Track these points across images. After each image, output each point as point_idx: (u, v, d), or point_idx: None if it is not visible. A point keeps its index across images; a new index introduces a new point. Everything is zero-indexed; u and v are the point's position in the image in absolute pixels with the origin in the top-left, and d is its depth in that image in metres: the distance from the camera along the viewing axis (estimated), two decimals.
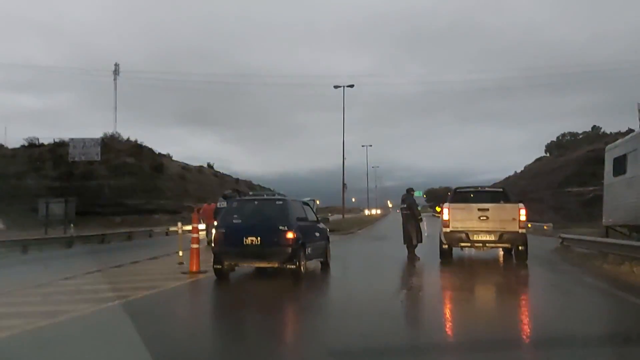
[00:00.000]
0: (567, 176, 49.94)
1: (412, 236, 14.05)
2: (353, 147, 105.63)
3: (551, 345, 5.33)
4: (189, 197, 46.58)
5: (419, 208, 15.80)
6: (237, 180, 63.29)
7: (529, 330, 6.19)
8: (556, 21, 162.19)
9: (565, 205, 44.97)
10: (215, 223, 12.76)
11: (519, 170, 71.63)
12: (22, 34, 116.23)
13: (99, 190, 41.77)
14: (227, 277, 10.19)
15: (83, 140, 33.28)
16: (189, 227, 12.70)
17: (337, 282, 11.02)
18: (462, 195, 14.06)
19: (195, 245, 10.90)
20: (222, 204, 14.76)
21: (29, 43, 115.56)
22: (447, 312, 7.47)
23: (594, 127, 68.76)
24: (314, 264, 11.77)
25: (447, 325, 6.56)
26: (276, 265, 9.88)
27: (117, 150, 46.65)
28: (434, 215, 47.17)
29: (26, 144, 48.05)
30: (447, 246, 13.15)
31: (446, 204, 13.34)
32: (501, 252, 14.72)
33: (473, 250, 14.83)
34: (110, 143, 46.55)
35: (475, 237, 12.73)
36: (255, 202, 11.09)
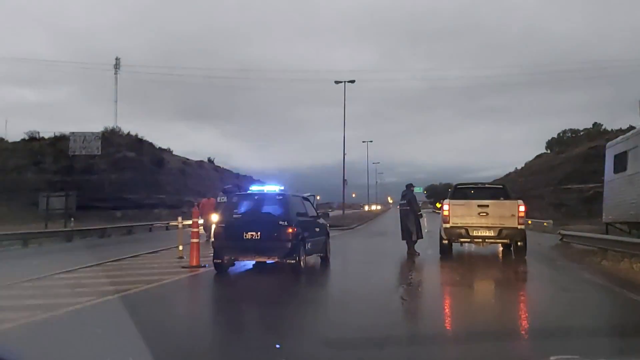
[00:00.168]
0: (568, 173, 49.80)
1: (412, 232, 14.10)
2: (354, 142, 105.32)
3: (547, 338, 5.37)
4: (190, 191, 46.62)
5: (420, 204, 15.84)
6: (238, 175, 63.27)
7: (526, 325, 6.22)
8: (558, 17, 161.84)
9: (565, 202, 44.88)
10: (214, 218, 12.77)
11: (519, 167, 71.51)
12: (23, 28, 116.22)
13: (99, 184, 41.75)
14: (227, 271, 10.23)
15: (84, 134, 33.06)
16: (189, 222, 12.73)
17: (337, 277, 11.07)
18: (462, 192, 14.13)
19: (195, 240, 10.96)
20: (222, 198, 14.79)
21: (30, 37, 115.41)
22: (446, 306, 7.50)
23: (594, 124, 68.52)
24: (314, 259, 11.81)
25: (446, 319, 6.60)
26: (276, 260, 9.92)
27: (117, 145, 46.57)
28: (435, 212, 47.28)
29: (27, 137, 47.91)
30: (447, 242, 13.26)
31: (446, 200, 13.47)
32: (500, 248, 14.76)
33: (473, 246, 14.89)
34: (110, 137, 46.41)
35: (475, 233, 12.85)
36: (256, 197, 11.12)
